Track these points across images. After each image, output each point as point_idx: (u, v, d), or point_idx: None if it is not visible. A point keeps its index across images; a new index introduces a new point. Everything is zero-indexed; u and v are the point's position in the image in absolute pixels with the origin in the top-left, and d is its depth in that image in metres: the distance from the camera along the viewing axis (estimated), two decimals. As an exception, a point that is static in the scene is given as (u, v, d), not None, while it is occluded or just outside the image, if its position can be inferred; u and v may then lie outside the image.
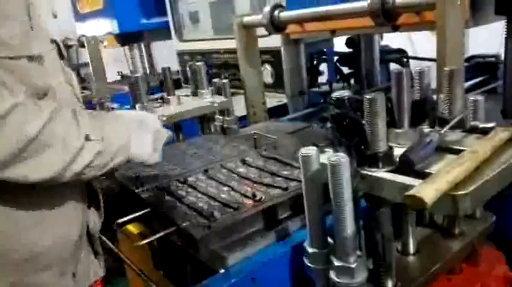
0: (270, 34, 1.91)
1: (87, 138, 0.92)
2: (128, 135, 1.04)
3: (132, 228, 1.36)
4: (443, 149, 0.91)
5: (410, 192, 0.71)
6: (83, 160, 0.91)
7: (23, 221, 0.93)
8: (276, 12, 1.76)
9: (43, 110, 0.85)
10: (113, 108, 2.05)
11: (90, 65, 3.42)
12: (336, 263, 0.89)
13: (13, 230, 0.92)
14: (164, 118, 1.70)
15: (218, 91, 1.96)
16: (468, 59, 2.50)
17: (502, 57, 2.35)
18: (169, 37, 3.39)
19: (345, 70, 2.84)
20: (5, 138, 0.80)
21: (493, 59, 2.48)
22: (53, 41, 1.06)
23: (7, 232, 0.91)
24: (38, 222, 0.95)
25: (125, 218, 1.22)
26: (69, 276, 1.03)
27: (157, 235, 1.13)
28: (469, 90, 2.10)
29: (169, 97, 1.98)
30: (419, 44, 3.31)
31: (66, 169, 0.88)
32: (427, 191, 0.70)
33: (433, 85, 1.14)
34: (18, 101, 0.81)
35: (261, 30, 1.95)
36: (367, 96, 0.85)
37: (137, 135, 1.08)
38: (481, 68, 2.45)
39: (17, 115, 0.81)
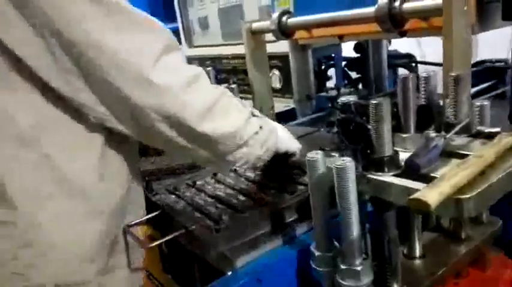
0: (278, 40, 1.92)
1: (251, 113, 1.12)
2: (273, 128, 1.19)
3: (141, 231, 1.38)
4: (449, 153, 0.92)
5: (415, 195, 0.72)
6: (251, 127, 1.09)
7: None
8: (284, 18, 1.78)
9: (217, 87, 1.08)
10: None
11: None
12: (342, 266, 0.90)
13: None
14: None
15: (227, 96, 1.98)
16: (477, 64, 2.49)
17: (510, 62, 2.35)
18: (179, 43, 3.42)
19: (353, 75, 2.85)
20: (202, 93, 1.00)
21: (502, 63, 2.47)
22: None
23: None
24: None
25: (134, 221, 1.24)
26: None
27: (166, 238, 1.15)
28: (477, 94, 2.09)
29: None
30: (428, 47, 3.31)
31: (243, 129, 1.06)
32: (431, 195, 0.71)
33: (441, 90, 1.15)
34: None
35: (269, 36, 1.97)
36: (373, 101, 0.86)
37: (279, 129, 1.26)
38: (491, 73, 2.44)
39: (205, 79, 1.04)
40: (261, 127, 1.12)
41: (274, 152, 1.17)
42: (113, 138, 1.07)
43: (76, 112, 1.00)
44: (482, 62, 2.53)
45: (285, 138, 1.25)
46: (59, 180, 0.99)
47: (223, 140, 1.04)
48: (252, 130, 1.09)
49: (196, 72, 1.03)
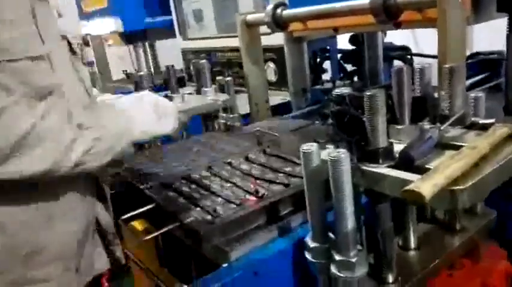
0: (273, 32, 1.91)
1: (80, 127, 0.94)
2: (127, 118, 1.05)
3: (137, 224, 1.38)
4: (443, 145, 0.92)
5: (409, 187, 0.72)
6: (79, 149, 0.93)
7: (29, 219, 0.95)
8: (279, 10, 1.77)
9: (36, 108, 0.89)
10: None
11: (95, 64, 3.45)
12: (337, 257, 0.91)
13: (18, 227, 0.94)
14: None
15: (222, 89, 1.98)
16: (472, 56, 2.49)
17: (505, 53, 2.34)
18: (173, 35, 3.40)
19: (349, 67, 2.84)
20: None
21: (496, 55, 2.47)
22: (64, 38, 1.07)
23: (12, 229, 0.93)
24: (44, 219, 0.97)
25: (130, 214, 1.24)
26: (72, 270, 1.04)
27: (161, 230, 1.15)
28: (472, 87, 2.10)
29: (173, 95, 2.00)
30: (423, 39, 3.30)
31: (62, 160, 0.91)
32: (426, 186, 0.71)
33: (436, 82, 1.15)
34: (10, 102, 0.85)
35: (264, 28, 1.96)
36: (367, 93, 0.86)
37: (135, 112, 1.09)
38: (485, 65, 2.44)
39: (7, 115, 0.85)
40: (96, 139, 0.96)
41: (129, 144, 1.06)
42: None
43: None
44: (477, 54, 2.53)
45: (149, 129, 1.11)
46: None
47: (40, 176, 0.90)
48: (79, 151, 0.93)
49: None
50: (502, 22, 1.46)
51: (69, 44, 1.09)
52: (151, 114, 1.12)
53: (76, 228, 1.05)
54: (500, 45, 2.34)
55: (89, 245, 1.11)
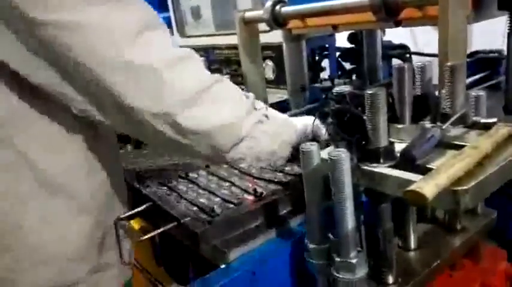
0: (271, 29, 1.90)
1: (253, 105, 1.00)
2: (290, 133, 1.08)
3: (133, 224, 1.36)
4: (445, 144, 0.91)
5: (411, 187, 0.71)
6: (253, 117, 0.97)
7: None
8: (278, 7, 1.76)
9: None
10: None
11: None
12: (337, 258, 0.89)
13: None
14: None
15: (220, 87, 1.96)
16: (471, 55, 2.48)
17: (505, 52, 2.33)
18: (171, 33, 3.39)
19: (347, 66, 2.83)
20: (186, 77, 0.89)
21: (496, 54, 2.46)
22: None
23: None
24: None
25: (126, 214, 1.23)
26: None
27: (158, 230, 1.13)
28: (471, 85, 2.09)
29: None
30: (422, 38, 3.30)
31: (240, 121, 0.95)
32: (428, 186, 0.70)
33: (436, 80, 1.14)
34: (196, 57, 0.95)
35: (262, 26, 1.94)
36: (368, 91, 0.85)
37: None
38: (484, 64, 2.43)
39: (195, 63, 0.92)
40: (266, 117, 1.01)
41: (293, 145, 1.05)
42: (96, 134, 1.00)
43: (55, 107, 0.91)
44: (476, 52, 2.52)
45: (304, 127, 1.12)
46: (38, 179, 0.92)
47: (215, 135, 0.92)
48: (252, 120, 0.97)
49: (184, 54, 0.91)
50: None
51: None
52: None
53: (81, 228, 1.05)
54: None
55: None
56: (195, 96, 0.88)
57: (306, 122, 1.13)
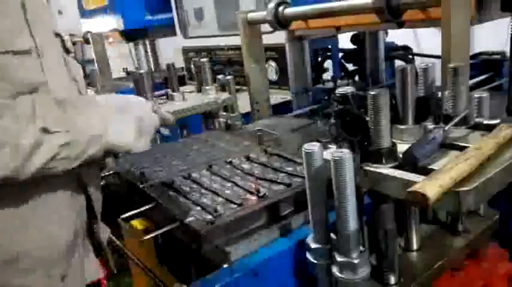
0: (274, 30, 1.90)
1: (45, 131, 0.85)
2: (104, 124, 0.96)
3: (136, 223, 1.37)
4: (448, 145, 0.91)
5: (413, 188, 0.71)
6: (43, 155, 0.85)
7: (5, 221, 0.89)
8: (281, 9, 1.76)
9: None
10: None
11: (95, 62, 3.44)
12: (339, 258, 0.90)
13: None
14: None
15: (222, 88, 1.96)
16: (474, 56, 2.48)
17: (508, 54, 2.33)
18: (174, 34, 3.40)
19: (350, 67, 2.84)
20: None
21: (498, 56, 2.46)
22: (57, 35, 1.03)
23: None
24: (23, 222, 0.91)
25: (130, 213, 1.23)
26: (56, 279, 0.98)
27: (161, 230, 1.14)
28: (474, 87, 2.09)
29: (173, 93, 1.99)
30: (425, 39, 3.30)
31: (22, 166, 0.83)
32: (431, 187, 0.70)
33: (438, 82, 1.14)
34: None
35: (265, 27, 1.95)
36: (371, 93, 0.85)
37: (116, 122, 0.99)
38: (487, 65, 2.44)
39: None
40: (66, 143, 0.88)
41: (101, 154, 0.96)
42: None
43: None
44: (479, 54, 2.52)
45: (122, 142, 1.00)
46: None
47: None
48: (44, 157, 0.85)
49: None
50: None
51: (63, 41, 1.05)
52: (132, 130, 1.02)
53: (60, 232, 0.98)
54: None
55: (78, 253, 1.04)
56: None
57: None
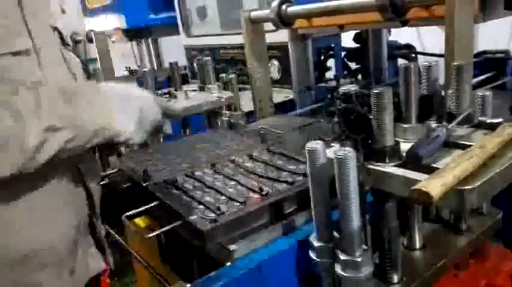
0: (277, 29, 1.90)
1: (51, 129, 0.85)
2: (108, 114, 0.97)
3: (140, 221, 1.37)
4: (451, 144, 0.91)
5: (417, 186, 0.71)
6: (48, 151, 0.85)
7: (18, 220, 0.90)
8: (284, 7, 1.76)
9: None
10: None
11: (98, 60, 3.44)
12: (342, 257, 0.90)
13: (7, 229, 0.89)
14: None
15: (225, 86, 1.97)
16: (477, 55, 2.48)
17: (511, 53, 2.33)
18: (177, 32, 3.40)
19: (353, 66, 2.84)
20: None
21: (502, 54, 2.46)
22: (55, 29, 1.02)
23: (1, 231, 0.88)
24: (35, 221, 0.92)
25: (133, 211, 1.23)
26: (66, 274, 1.00)
27: (164, 228, 1.14)
28: (477, 86, 2.08)
29: (176, 92, 1.99)
30: (428, 38, 3.29)
31: (28, 163, 0.83)
32: (434, 186, 0.70)
33: (442, 81, 1.14)
34: None
35: (268, 25, 1.95)
36: (374, 91, 0.85)
37: (119, 112, 1.00)
38: (490, 64, 2.43)
39: None
40: (69, 139, 0.89)
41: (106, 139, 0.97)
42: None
43: None
44: (483, 52, 2.52)
45: (122, 132, 1.00)
46: None
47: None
48: (49, 153, 0.86)
49: None
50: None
51: (60, 34, 1.05)
52: (133, 120, 1.03)
53: (68, 229, 0.99)
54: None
55: (82, 245, 1.06)
56: None
57: None
